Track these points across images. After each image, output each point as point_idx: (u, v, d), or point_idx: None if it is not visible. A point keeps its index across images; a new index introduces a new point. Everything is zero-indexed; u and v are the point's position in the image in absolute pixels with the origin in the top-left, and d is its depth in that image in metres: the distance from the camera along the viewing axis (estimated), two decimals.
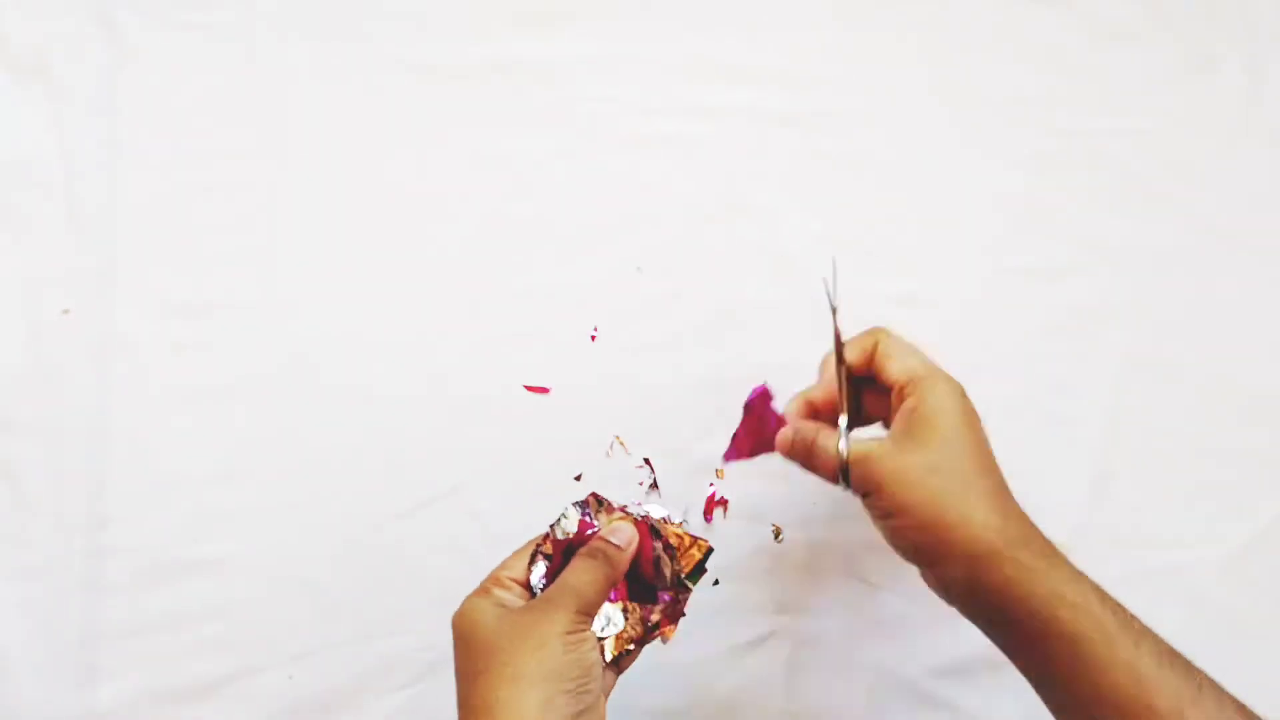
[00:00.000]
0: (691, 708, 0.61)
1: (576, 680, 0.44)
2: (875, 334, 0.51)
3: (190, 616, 0.60)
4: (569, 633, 0.45)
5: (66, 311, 0.63)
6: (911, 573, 0.64)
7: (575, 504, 0.52)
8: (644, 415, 0.64)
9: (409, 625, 0.61)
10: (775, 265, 0.66)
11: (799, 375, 0.64)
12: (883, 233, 0.67)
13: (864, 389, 0.52)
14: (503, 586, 0.49)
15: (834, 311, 0.51)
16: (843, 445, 0.48)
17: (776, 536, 0.63)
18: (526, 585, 0.50)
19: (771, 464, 0.63)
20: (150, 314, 0.64)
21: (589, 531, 0.51)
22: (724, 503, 0.63)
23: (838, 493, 0.63)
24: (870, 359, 0.51)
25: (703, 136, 0.67)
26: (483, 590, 0.49)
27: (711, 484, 0.63)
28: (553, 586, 0.48)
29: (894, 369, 0.49)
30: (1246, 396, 0.65)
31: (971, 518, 0.45)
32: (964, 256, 0.66)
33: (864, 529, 0.63)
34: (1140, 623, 0.45)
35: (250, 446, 0.62)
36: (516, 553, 0.51)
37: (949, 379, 0.49)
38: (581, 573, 0.48)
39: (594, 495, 0.53)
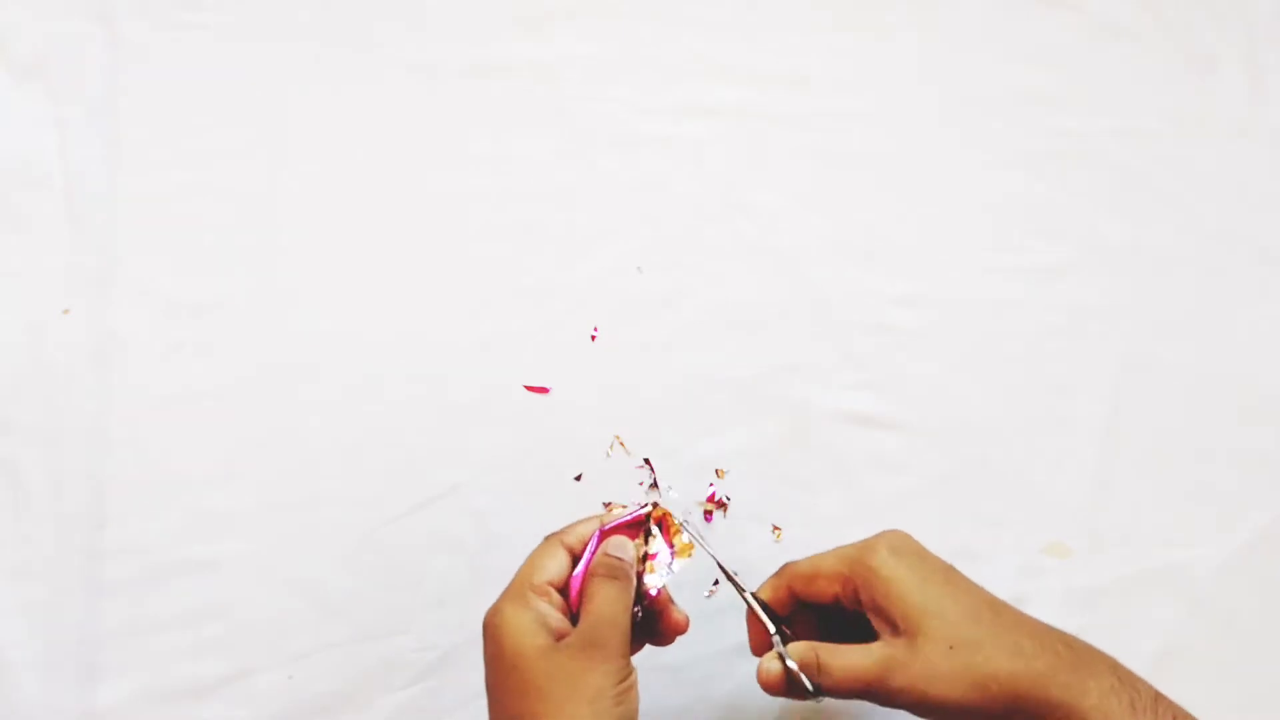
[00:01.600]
0: (691, 707, 0.61)
1: None
2: (781, 576, 0.51)
3: (190, 616, 0.60)
4: (619, 683, 0.45)
5: (66, 311, 0.63)
6: None
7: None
8: (644, 415, 0.64)
9: (409, 625, 0.61)
10: (775, 265, 0.66)
11: (799, 375, 0.64)
12: (883, 233, 0.67)
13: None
14: (540, 594, 0.48)
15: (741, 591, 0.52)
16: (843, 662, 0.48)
17: (777, 537, 0.63)
18: (561, 590, 0.49)
19: (772, 464, 0.64)
20: (150, 314, 0.64)
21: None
22: (724, 504, 0.63)
23: (837, 492, 0.63)
24: (789, 595, 0.51)
25: (703, 136, 0.67)
26: (519, 597, 0.47)
27: (711, 484, 0.63)
28: (592, 624, 0.46)
29: (822, 585, 0.49)
30: (1246, 396, 0.65)
31: (1018, 654, 0.45)
32: (964, 256, 0.66)
33: (864, 529, 0.63)
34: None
35: (250, 446, 0.62)
36: (543, 550, 0.50)
37: (874, 552, 0.48)
38: (614, 602, 0.47)
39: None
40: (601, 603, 0.47)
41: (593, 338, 0.65)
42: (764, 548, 0.63)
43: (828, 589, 0.49)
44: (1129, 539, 0.63)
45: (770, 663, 0.48)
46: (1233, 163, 0.68)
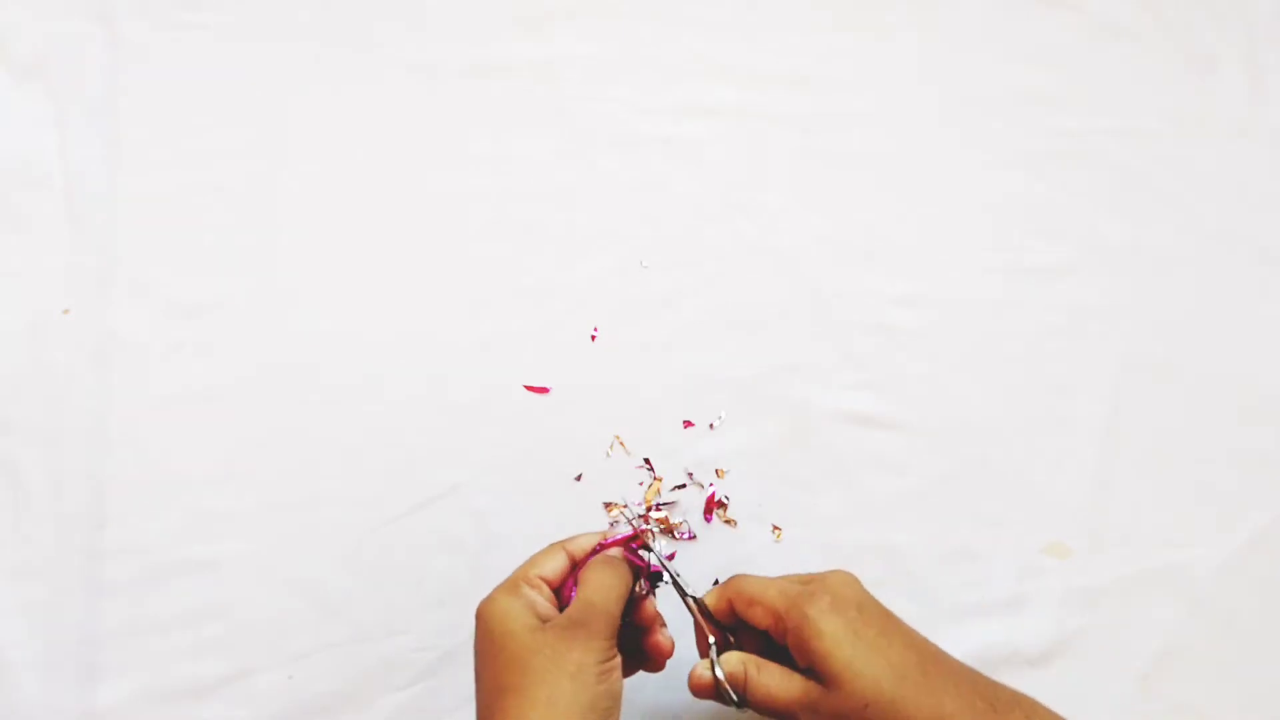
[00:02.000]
0: (690, 708, 0.61)
1: (605, 710, 0.45)
2: (726, 589, 0.51)
3: (190, 616, 0.60)
4: (602, 661, 0.46)
5: (66, 311, 0.63)
6: (910, 573, 0.64)
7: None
8: (644, 415, 0.64)
9: (409, 625, 0.61)
10: (775, 265, 0.66)
11: (799, 375, 0.64)
12: (883, 233, 0.67)
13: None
14: (533, 586, 0.49)
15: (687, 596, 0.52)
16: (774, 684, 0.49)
17: (777, 537, 0.63)
18: (555, 588, 0.50)
19: (772, 464, 0.64)
20: (150, 314, 0.64)
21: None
22: (723, 504, 0.63)
23: (837, 492, 0.63)
24: (730, 608, 0.51)
25: (703, 136, 0.67)
26: (512, 587, 0.49)
27: (711, 484, 0.63)
28: (580, 605, 0.48)
29: (759, 613, 0.50)
30: (1246, 396, 0.65)
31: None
32: (964, 256, 0.66)
33: (864, 530, 0.63)
34: None
35: (250, 446, 0.62)
36: (544, 552, 0.51)
37: (815, 599, 0.48)
38: (605, 588, 0.49)
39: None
40: (593, 588, 0.49)
41: (593, 338, 0.65)
42: (764, 548, 0.63)
43: (763, 619, 0.50)
44: (1129, 539, 0.63)
45: (703, 670, 0.49)
46: (1233, 163, 0.68)
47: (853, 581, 0.50)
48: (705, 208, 0.67)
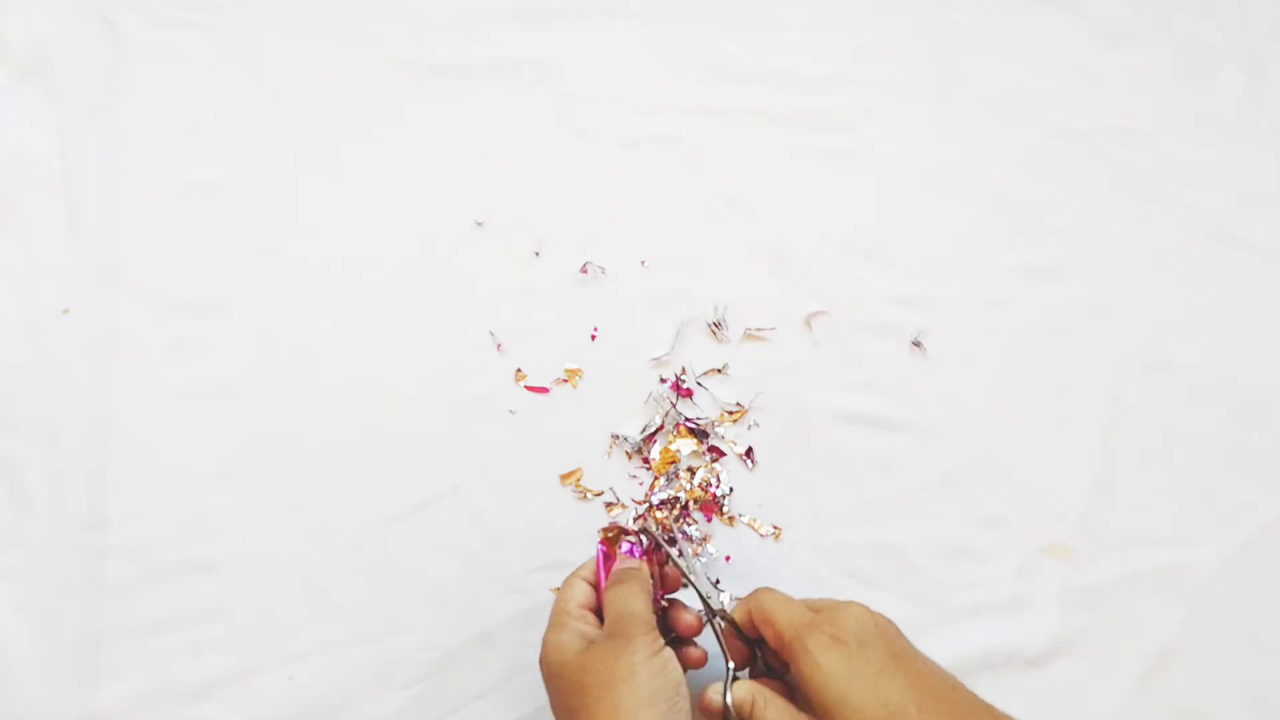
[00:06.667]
0: (691, 707, 0.61)
1: (669, 699, 0.48)
2: (749, 601, 0.52)
3: (190, 616, 0.60)
4: (650, 658, 0.48)
5: (66, 311, 0.63)
6: (910, 573, 0.64)
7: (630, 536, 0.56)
8: (644, 415, 0.64)
9: (409, 625, 0.61)
10: (775, 264, 0.66)
11: (797, 375, 0.64)
12: (883, 233, 0.67)
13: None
14: (575, 617, 0.52)
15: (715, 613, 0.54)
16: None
17: (776, 537, 0.63)
18: (595, 610, 0.53)
19: (772, 464, 0.64)
20: (150, 314, 0.64)
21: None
22: (723, 504, 0.63)
23: (838, 492, 0.63)
24: (751, 623, 0.52)
25: (703, 136, 0.67)
26: (558, 624, 0.51)
27: (711, 483, 0.63)
28: (611, 620, 0.51)
29: (770, 633, 0.51)
30: (1246, 396, 0.65)
31: None
32: (964, 256, 0.66)
33: (864, 530, 0.63)
34: None
35: (250, 446, 0.62)
36: (569, 585, 0.54)
37: (818, 631, 0.48)
38: (627, 596, 0.51)
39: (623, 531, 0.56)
40: (616, 601, 0.51)
41: (593, 338, 0.65)
42: (764, 548, 0.63)
43: (773, 640, 0.50)
44: (1129, 539, 0.63)
45: (714, 694, 0.50)
46: (1233, 163, 0.68)
47: (863, 615, 0.49)
48: (705, 208, 0.67)
